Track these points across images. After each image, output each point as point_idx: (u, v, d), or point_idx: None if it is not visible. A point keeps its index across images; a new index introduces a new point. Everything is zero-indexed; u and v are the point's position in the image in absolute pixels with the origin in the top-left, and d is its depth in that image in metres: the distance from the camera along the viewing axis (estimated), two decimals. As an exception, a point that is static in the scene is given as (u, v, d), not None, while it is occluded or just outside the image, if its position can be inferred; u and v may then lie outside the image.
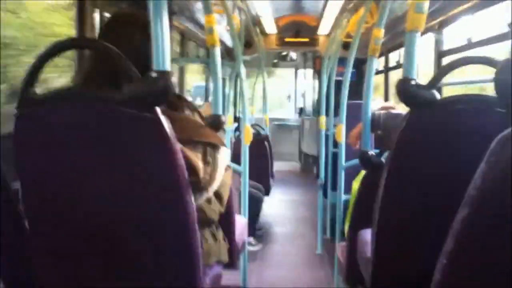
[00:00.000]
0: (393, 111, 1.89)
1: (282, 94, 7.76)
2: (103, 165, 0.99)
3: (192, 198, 1.01)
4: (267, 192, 3.83)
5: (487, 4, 2.22)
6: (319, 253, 3.34)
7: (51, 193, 1.04)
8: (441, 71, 1.21)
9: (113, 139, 0.97)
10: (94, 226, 1.03)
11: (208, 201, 1.21)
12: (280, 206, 4.76)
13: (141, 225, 1.02)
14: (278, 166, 4.75)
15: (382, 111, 1.88)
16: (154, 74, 0.92)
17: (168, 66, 0.94)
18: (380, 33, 1.72)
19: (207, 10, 1.61)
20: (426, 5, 1.15)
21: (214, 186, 1.15)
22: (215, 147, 1.16)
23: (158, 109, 0.93)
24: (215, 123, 1.39)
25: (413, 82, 1.12)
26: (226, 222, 1.46)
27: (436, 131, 1.14)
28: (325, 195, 3.51)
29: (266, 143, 3.95)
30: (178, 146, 0.96)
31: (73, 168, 1.01)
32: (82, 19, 2.11)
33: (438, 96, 1.13)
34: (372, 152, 1.65)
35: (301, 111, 6.89)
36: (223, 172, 1.19)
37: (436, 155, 1.13)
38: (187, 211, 1.00)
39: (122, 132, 0.96)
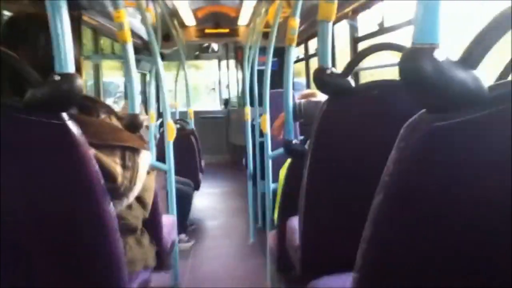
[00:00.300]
0: (313, 99, 1.93)
1: (206, 86, 7.69)
2: (13, 176, 0.91)
3: (111, 206, 0.96)
4: (196, 187, 3.79)
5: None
6: (252, 242, 3.37)
7: None
8: (354, 60, 1.24)
9: (20, 148, 0.89)
10: (11, 241, 0.94)
11: (129, 207, 1.16)
12: (211, 199, 4.73)
13: (58, 238, 0.95)
14: (206, 159, 4.70)
15: (303, 100, 1.92)
16: (57, 77, 0.85)
17: (71, 67, 0.87)
18: (295, 23, 1.74)
19: (116, 5, 1.53)
20: None
21: (135, 191, 1.09)
22: (134, 150, 1.11)
23: (64, 114, 0.86)
24: (133, 124, 1.32)
25: (328, 71, 1.14)
26: (153, 224, 1.41)
27: (352, 117, 1.17)
28: (254, 184, 3.54)
29: (192, 137, 3.89)
30: (90, 152, 0.90)
31: None
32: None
33: (353, 83, 1.16)
34: (295, 140, 1.68)
35: (227, 103, 6.88)
36: (145, 176, 1.15)
37: (354, 141, 1.17)
38: (106, 220, 0.95)
39: (28, 141, 0.88)
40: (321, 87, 1.16)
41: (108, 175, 1.00)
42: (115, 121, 1.15)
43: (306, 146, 1.58)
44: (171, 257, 2.07)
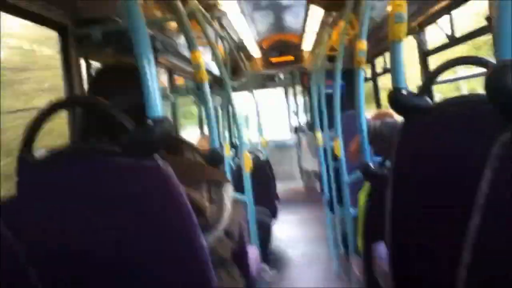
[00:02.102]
0: (389, 119, 1.89)
1: (275, 114, 7.78)
2: (109, 217, 0.98)
3: (203, 240, 0.99)
4: (274, 215, 3.80)
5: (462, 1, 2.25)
6: (335, 269, 3.30)
7: (59, 246, 1.02)
8: (430, 77, 1.21)
9: (116, 191, 0.96)
10: (108, 280, 1.01)
11: (218, 240, 1.20)
12: (288, 227, 4.70)
13: (155, 276, 1.00)
14: (280, 186, 4.71)
15: (377, 121, 1.88)
16: (150, 122, 0.91)
17: (160, 110, 0.94)
18: (363, 45, 1.73)
19: (192, 47, 1.62)
20: (405, 15, 1.16)
21: (223, 223, 1.13)
22: (218, 183, 1.15)
23: (157, 156, 0.92)
24: (215, 158, 1.38)
25: (403, 91, 1.12)
26: (239, 257, 1.44)
27: (433, 136, 1.13)
28: (332, 210, 3.48)
29: (266, 166, 3.93)
30: (182, 189, 0.95)
31: (79, 223, 1.00)
32: (68, 68, 2.12)
33: (429, 101, 1.13)
34: (373, 163, 1.64)
35: (296, 128, 6.90)
36: (230, 208, 1.18)
37: (437, 161, 1.12)
38: (200, 254, 0.98)
39: (124, 183, 0.95)
40: (397, 108, 1.13)
41: (198, 210, 1.04)
42: (198, 158, 1.20)
43: (386, 164, 1.54)
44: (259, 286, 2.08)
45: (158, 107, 0.94)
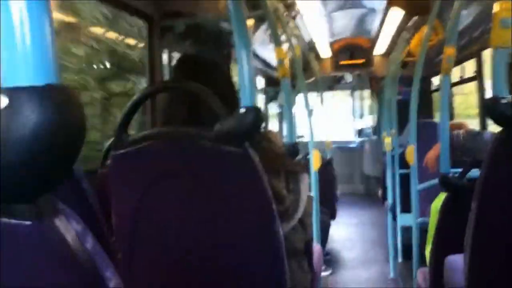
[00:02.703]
0: (472, 130, 1.82)
1: (340, 116, 7.68)
2: (195, 199, 1.02)
3: (280, 228, 1.02)
4: (333, 216, 3.77)
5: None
6: (392, 277, 3.22)
7: (146, 226, 1.08)
8: None
9: (205, 175, 1.01)
10: (188, 260, 1.06)
11: (294, 230, 1.22)
12: (346, 229, 4.66)
13: (232, 258, 1.04)
14: (341, 188, 4.67)
15: (461, 131, 1.82)
16: (243, 110, 0.95)
17: (254, 100, 0.97)
18: (453, 51, 1.68)
19: (277, 43, 1.65)
20: (510, 20, 1.11)
21: (299, 213, 1.15)
22: (296, 174, 1.17)
23: (247, 144, 0.95)
24: (292, 152, 1.41)
25: (504, 101, 1.08)
26: (308, 250, 1.45)
27: None
28: (394, 217, 3.40)
29: (329, 166, 3.91)
30: (266, 178, 0.98)
31: (166, 203, 1.05)
32: (153, 59, 2.22)
33: None
34: (453, 174, 1.59)
35: (360, 132, 6.78)
36: (306, 199, 1.20)
37: None
38: (276, 242, 1.01)
39: (213, 168, 0.99)
40: (497, 117, 1.09)
41: (278, 198, 1.06)
42: (276, 149, 1.23)
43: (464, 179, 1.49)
44: (318, 284, 2.08)
45: (252, 97, 0.97)
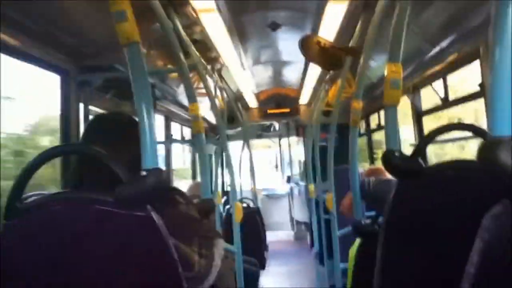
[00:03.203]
0: (383, 177, 1.91)
1: (268, 164, 7.82)
2: (95, 265, 0.97)
3: None
4: (262, 266, 3.74)
5: (457, 67, 2.34)
6: None
7: None
8: (423, 141, 1.24)
9: (107, 239, 0.96)
10: None
11: None
12: (276, 279, 4.61)
13: None
14: (270, 236, 4.67)
15: (372, 178, 1.91)
16: (143, 173, 0.93)
17: (157, 162, 0.95)
18: (359, 105, 1.79)
19: (192, 99, 1.66)
20: (400, 81, 1.21)
21: (210, 279, 1.12)
22: (210, 239, 1.16)
23: (149, 208, 0.93)
24: (205, 210, 1.39)
25: (397, 154, 1.15)
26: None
27: (427, 199, 1.15)
28: (321, 263, 3.44)
29: (257, 216, 3.91)
30: (171, 242, 0.95)
31: (64, 270, 0.98)
32: (67, 113, 2.14)
33: (422, 164, 1.15)
34: (365, 220, 1.65)
35: (289, 179, 6.91)
36: (219, 264, 1.18)
37: (430, 224, 1.14)
38: None
39: (115, 232, 0.95)
40: (391, 170, 1.16)
41: (186, 263, 1.03)
42: (193, 211, 1.21)
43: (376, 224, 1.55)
44: None
45: (154, 158, 0.95)
